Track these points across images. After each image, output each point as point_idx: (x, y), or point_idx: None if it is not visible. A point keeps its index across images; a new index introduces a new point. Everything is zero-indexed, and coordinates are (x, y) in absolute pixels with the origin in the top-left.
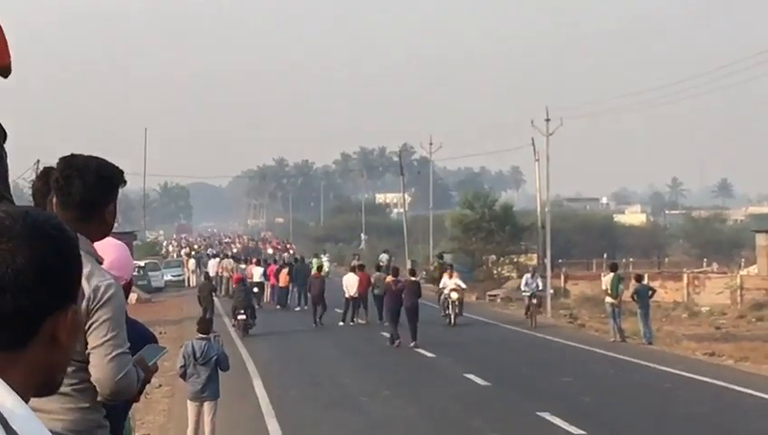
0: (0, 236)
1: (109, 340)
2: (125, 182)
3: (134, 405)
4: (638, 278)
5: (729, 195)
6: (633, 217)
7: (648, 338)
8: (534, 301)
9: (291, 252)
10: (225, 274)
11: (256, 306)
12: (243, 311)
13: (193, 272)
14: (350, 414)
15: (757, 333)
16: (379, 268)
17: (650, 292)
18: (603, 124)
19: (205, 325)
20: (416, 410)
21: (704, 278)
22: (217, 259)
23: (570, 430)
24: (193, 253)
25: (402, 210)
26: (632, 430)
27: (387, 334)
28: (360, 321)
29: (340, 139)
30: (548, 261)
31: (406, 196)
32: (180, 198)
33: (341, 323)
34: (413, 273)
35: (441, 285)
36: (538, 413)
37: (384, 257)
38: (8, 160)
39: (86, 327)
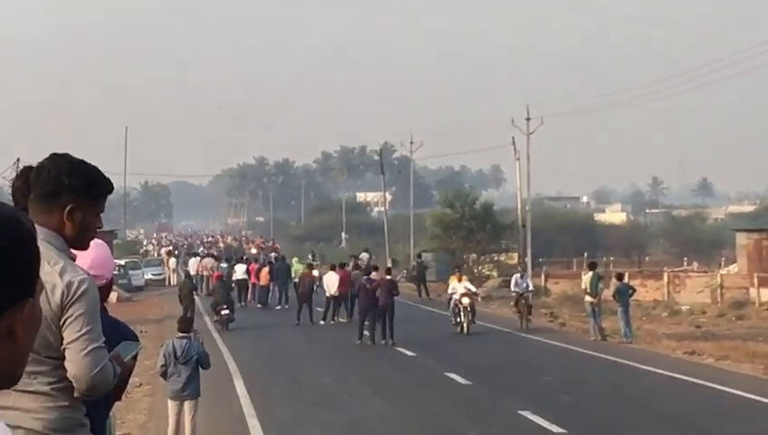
0: None
1: (84, 334)
2: (106, 192)
3: (115, 404)
4: (619, 277)
5: (709, 194)
6: (614, 215)
7: (629, 337)
8: (524, 301)
9: (275, 253)
10: (206, 272)
11: (241, 304)
12: (225, 306)
13: (174, 271)
14: (331, 413)
15: (737, 331)
16: (357, 267)
17: (631, 291)
18: (584, 123)
19: (185, 324)
20: (397, 408)
21: (684, 277)
22: (198, 258)
23: (550, 428)
24: (176, 252)
25: (383, 209)
26: (613, 429)
27: (368, 333)
28: (340, 320)
29: (320, 138)
30: (528, 260)
31: (386, 195)
32: (161, 196)
33: (322, 322)
34: (389, 271)
35: (450, 290)
36: (519, 412)
37: (364, 256)
38: None
39: (60, 323)
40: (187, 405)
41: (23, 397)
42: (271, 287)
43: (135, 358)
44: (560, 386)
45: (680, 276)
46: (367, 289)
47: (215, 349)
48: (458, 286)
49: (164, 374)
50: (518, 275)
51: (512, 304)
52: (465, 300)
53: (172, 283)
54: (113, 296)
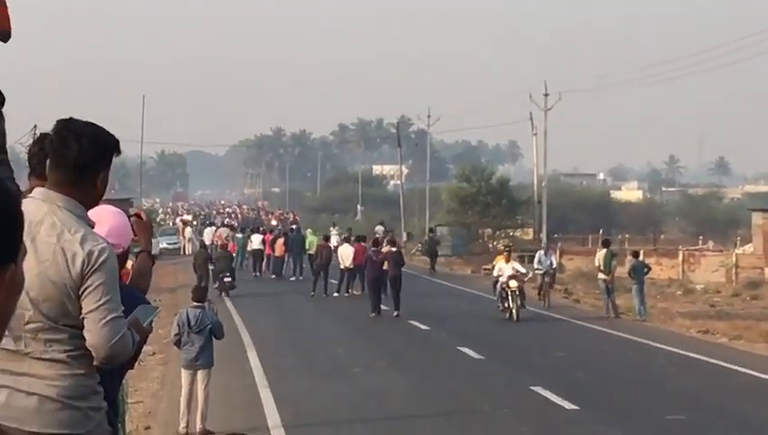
0: None
1: (103, 304)
2: (119, 152)
3: (128, 372)
4: (635, 255)
5: (726, 173)
6: (630, 193)
7: (643, 315)
8: (547, 279)
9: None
10: (221, 242)
11: (255, 274)
12: (228, 274)
13: (189, 240)
14: (343, 385)
15: (751, 311)
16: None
17: (646, 269)
18: (602, 100)
19: (200, 293)
20: (410, 381)
21: (699, 256)
22: (213, 228)
23: (562, 404)
24: (194, 222)
25: (399, 182)
26: (625, 406)
27: (384, 307)
28: (354, 292)
29: (337, 110)
30: (544, 236)
31: (403, 168)
32: (177, 165)
33: (336, 294)
34: (393, 243)
35: (496, 272)
36: (531, 387)
37: (380, 229)
38: (5, 125)
39: (80, 292)
40: (201, 374)
41: (38, 364)
42: (286, 258)
43: (150, 323)
44: (573, 362)
45: (695, 255)
46: (374, 261)
47: (228, 319)
48: (506, 268)
49: (177, 343)
50: (542, 251)
51: (534, 282)
52: (514, 283)
53: (187, 252)
54: (129, 265)
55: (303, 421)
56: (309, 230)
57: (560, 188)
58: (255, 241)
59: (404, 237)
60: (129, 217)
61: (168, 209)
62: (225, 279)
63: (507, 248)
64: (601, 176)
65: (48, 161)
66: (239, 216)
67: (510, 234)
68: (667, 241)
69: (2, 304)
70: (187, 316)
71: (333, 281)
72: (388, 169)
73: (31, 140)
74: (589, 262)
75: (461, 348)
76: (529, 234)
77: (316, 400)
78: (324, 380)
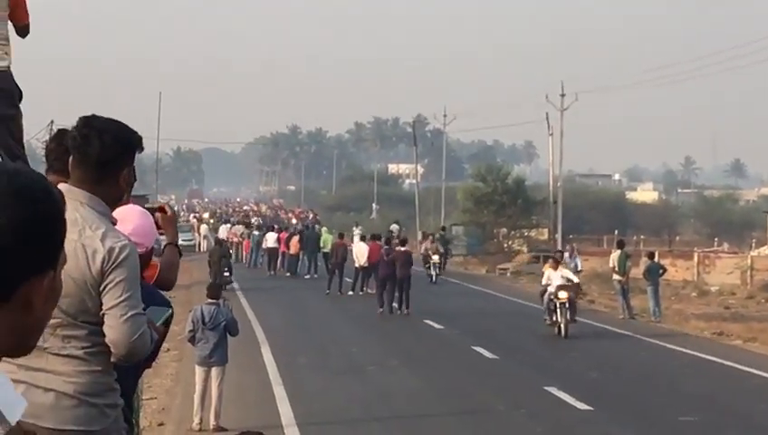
0: None
1: (124, 301)
2: (142, 148)
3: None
4: (651, 256)
5: (742, 175)
6: (645, 194)
7: (657, 316)
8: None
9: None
10: (236, 239)
11: (270, 273)
12: (226, 268)
13: (204, 237)
14: (357, 383)
15: (766, 314)
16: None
17: (661, 270)
18: (618, 100)
19: (214, 290)
20: (423, 380)
21: (714, 258)
22: (229, 225)
23: (576, 405)
24: (210, 221)
25: (414, 181)
26: (638, 408)
27: (398, 306)
28: (369, 291)
29: (354, 108)
30: (559, 236)
31: (418, 167)
32: (193, 162)
33: (351, 293)
34: (404, 243)
35: (544, 281)
36: (545, 388)
37: (395, 228)
38: (23, 120)
39: (101, 288)
40: (215, 371)
41: (56, 360)
42: (300, 256)
43: (168, 324)
44: (587, 363)
45: (710, 257)
46: (384, 260)
47: (242, 316)
48: (554, 276)
49: (192, 340)
50: (567, 254)
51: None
52: (563, 294)
53: (202, 249)
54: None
55: (317, 419)
56: (324, 228)
57: (575, 189)
58: (270, 239)
59: (419, 237)
60: (153, 211)
61: (184, 206)
62: (225, 273)
63: (557, 254)
64: (617, 177)
65: (71, 158)
66: (258, 214)
67: (525, 234)
68: (683, 243)
69: (40, 310)
70: (202, 313)
71: (348, 279)
72: (403, 167)
73: (48, 136)
74: (604, 263)
75: (475, 347)
76: (544, 234)
77: (330, 397)
78: (338, 378)
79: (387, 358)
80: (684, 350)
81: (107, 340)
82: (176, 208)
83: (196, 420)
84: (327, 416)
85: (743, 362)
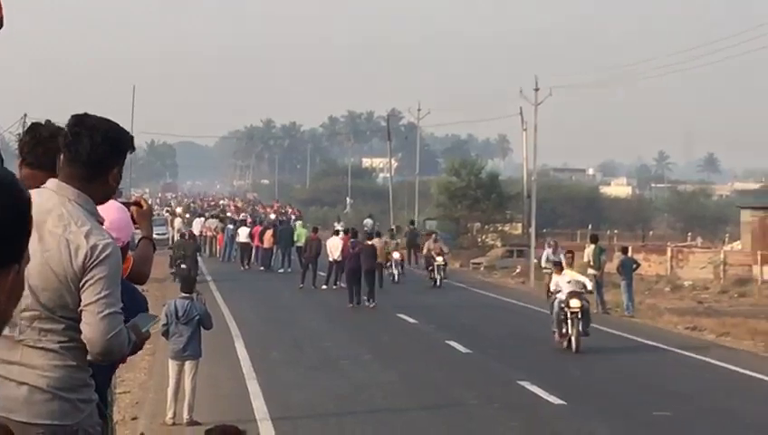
0: None
1: (103, 298)
2: (134, 148)
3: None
4: (624, 250)
5: (715, 170)
6: (619, 189)
7: (631, 311)
8: None
9: (294, 217)
10: (210, 233)
11: (243, 268)
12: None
13: (178, 231)
14: (331, 378)
15: (739, 308)
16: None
17: (635, 265)
18: (592, 96)
19: (188, 284)
20: (397, 375)
21: (687, 252)
22: (202, 219)
23: (549, 399)
24: (186, 215)
25: (388, 175)
26: (612, 402)
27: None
28: (342, 285)
29: (328, 102)
30: (533, 231)
31: (392, 161)
32: (167, 156)
33: (325, 287)
34: (370, 237)
35: (553, 287)
36: (519, 382)
37: (368, 222)
38: None
39: (80, 284)
40: (188, 365)
41: (31, 353)
42: (274, 250)
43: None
44: (560, 358)
45: (684, 252)
46: (350, 254)
47: (216, 310)
48: (562, 281)
49: (165, 334)
50: (550, 249)
51: (546, 282)
52: (575, 302)
53: None
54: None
55: (290, 413)
56: (299, 223)
57: (549, 183)
58: (242, 234)
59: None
60: (128, 205)
61: (158, 200)
62: (182, 265)
63: (570, 254)
64: (591, 171)
65: (61, 156)
66: (237, 210)
67: (499, 228)
68: (656, 237)
69: (2, 304)
70: (176, 307)
71: (322, 273)
72: (377, 161)
73: (21, 129)
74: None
75: (449, 342)
76: (518, 228)
77: (303, 392)
78: (312, 372)
79: (360, 352)
80: (657, 344)
81: (83, 337)
82: (150, 202)
83: (170, 414)
84: (300, 410)
85: (716, 356)
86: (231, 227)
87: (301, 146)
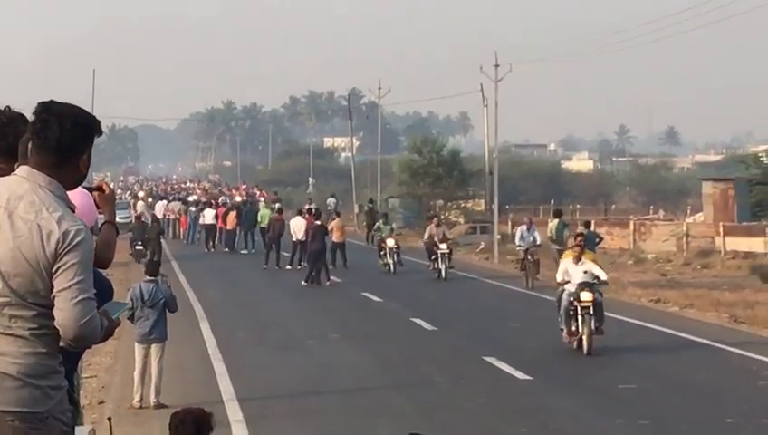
0: None
1: (75, 284)
2: (101, 132)
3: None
4: (587, 224)
5: (676, 143)
6: (580, 163)
7: None
8: (531, 257)
9: (262, 199)
10: (173, 216)
11: (207, 250)
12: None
13: (139, 214)
14: (297, 358)
15: (702, 280)
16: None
17: (597, 239)
18: (552, 71)
19: (152, 268)
20: (363, 353)
21: (650, 225)
22: (165, 201)
23: (516, 375)
24: (150, 199)
25: (350, 154)
26: (578, 376)
27: (337, 279)
28: (305, 265)
29: (288, 82)
30: (495, 207)
31: (354, 140)
32: (128, 139)
33: (289, 267)
34: (318, 216)
35: (561, 277)
36: (484, 358)
37: (331, 202)
38: None
39: (53, 270)
40: (154, 348)
41: (1, 339)
42: (238, 232)
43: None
44: (525, 333)
45: (646, 225)
46: (311, 234)
47: (181, 293)
48: (575, 271)
49: (131, 318)
50: (524, 226)
51: (517, 259)
52: (586, 296)
53: None
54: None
55: (257, 394)
56: (262, 204)
57: (511, 160)
58: (208, 216)
59: (356, 209)
60: (91, 190)
61: (120, 184)
62: (137, 247)
63: (579, 238)
64: (552, 147)
65: (29, 143)
66: (198, 191)
67: (462, 205)
68: (619, 211)
69: None
70: (141, 291)
71: (286, 254)
72: (339, 141)
73: None
74: (541, 232)
75: (414, 319)
76: (481, 205)
77: (270, 372)
78: (278, 352)
79: (326, 332)
80: (621, 318)
81: (56, 322)
82: (112, 186)
83: (137, 398)
84: (267, 391)
85: (680, 328)
86: (193, 209)
87: (262, 127)
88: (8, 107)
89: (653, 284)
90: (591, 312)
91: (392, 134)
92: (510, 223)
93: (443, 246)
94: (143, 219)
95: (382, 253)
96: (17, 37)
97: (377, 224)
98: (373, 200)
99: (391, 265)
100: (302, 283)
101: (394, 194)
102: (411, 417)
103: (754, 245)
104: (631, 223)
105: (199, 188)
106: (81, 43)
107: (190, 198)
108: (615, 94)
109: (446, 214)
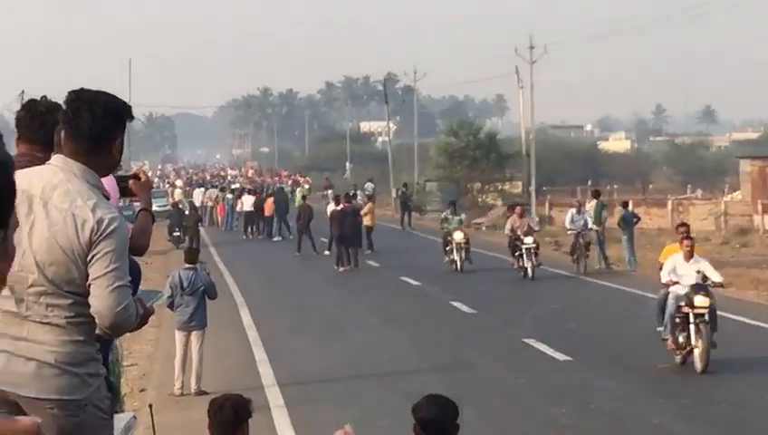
0: None
1: (111, 271)
2: (132, 117)
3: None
4: (625, 205)
5: (713, 121)
6: (617, 144)
7: (633, 265)
8: (582, 241)
9: (306, 186)
10: (210, 203)
11: (247, 236)
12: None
13: (176, 202)
14: (337, 342)
15: (741, 259)
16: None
17: (635, 219)
18: (588, 51)
19: (192, 255)
20: (403, 337)
21: (688, 205)
22: (203, 189)
23: (555, 356)
24: (187, 188)
25: (387, 139)
26: (617, 356)
27: (375, 264)
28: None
29: (324, 68)
30: (533, 189)
31: (390, 124)
32: (165, 128)
33: (327, 252)
34: (348, 199)
35: (667, 276)
36: (524, 340)
37: (369, 186)
38: None
39: (88, 259)
40: (195, 336)
41: (38, 329)
42: (275, 218)
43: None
44: (565, 314)
45: (684, 204)
46: (333, 217)
47: (220, 280)
48: (687, 270)
49: (171, 305)
50: (574, 210)
51: (556, 242)
52: (702, 300)
53: None
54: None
55: (298, 379)
56: (299, 189)
57: (547, 141)
58: (247, 203)
59: (393, 194)
60: (127, 179)
61: (158, 172)
62: (174, 234)
63: (683, 229)
64: (589, 127)
65: (62, 132)
66: (249, 180)
67: (499, 187)
68: (656, 191)
69: None
70: (180, 278)
71: (324, 239)
72: (375, 125)
73: (19, 106)
74: None
75: (453, 303)
76: (518, 187)
77: (310, 357)
78: (317, 337)
79: (366, 316)
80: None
81: (92, 310)
82: (150, 175)
83: (178, 385)
84: (308, 376)
85: (719, 307)
86: (230, 196)
87: (298, 113)
88: (45, 96)
89: None
90: (707, 320)
91: (429, 118)
92: (548, 205)
93: (528, 240)
94: (180, 206)
95: (448, 248)
96: (54, 25)
97: (443, 214)
98: (407, 184)
99: (458, 263)
100: (335, 267)
101: (431, 178)
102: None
103: None
104: (669, 202)
105: (247, 177)
106: (117, 33)
107: (234, 186)
108: (651, 74)
109: (484, 196)
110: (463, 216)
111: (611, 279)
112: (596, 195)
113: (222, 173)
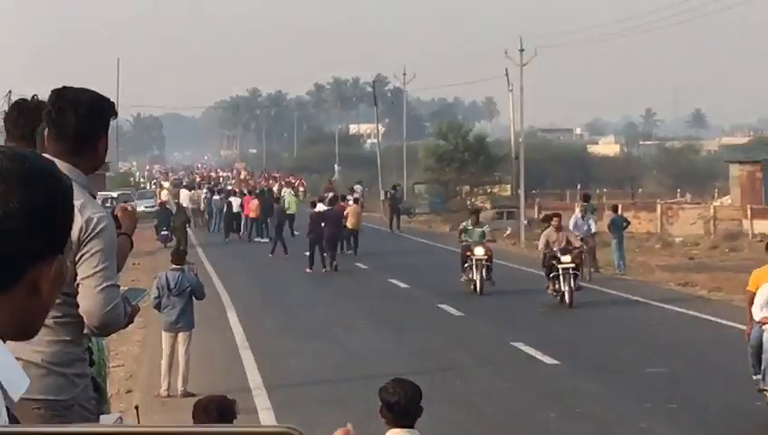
0: None
1: (99, 271)
2: (116, 114)
3: (109, 336)
4: (614, 209)
5: (703, 125)
6: (607, 147)
7: (622, 269)
8: (585, 246)
9: (301, 188)
10: (194, 206)
11: (229, 238)
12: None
13: (162, 202)
14: (326, 345)
15: (730, 263)
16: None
17: (625, 223)
18: (578, 55)
19: (178, 256)
20: (391, 340)
21: (677, 209)
22: (191, 190)
23: (544, 360)
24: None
25: (376, 141)
26: (606, 361)
27: (363, 266)
28: (348, 252)
29: (313, 69)
30: (522, 192)
31: (379, 126)
32: (153, 128)
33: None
34: (333, 201)
35: (761, 315)
36: (512, 343)
37: (358, 188)
38: None
39: (76, 258)
40: (181, 337)
41: None
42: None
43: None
44: (552, 318)
45: (673, 208)
46: (312, 220)
47: (208, 281)
48: None
49: (158, 306)
50: (578, 214)
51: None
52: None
53: None
54: None
55: (285, 382)
56: (288, 191)
57: (537, 144)
58: (234, 204)
59: (381, 196)
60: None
61: (146, 173)
62: (162, 233)
63: None
64: (578, 131)
65: (46, 132)
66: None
67: (488, 190)
68: (645, 195)
69: (46, 294)
70: (167, 279)
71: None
72: (364, 127)
73: (6, 106)
74: (567, 217)
75: (441, 306)
76: (507, 190)
77: (298, 361)
78: (305, 340)
79: (353, 319)
80: (650, 302)
81: (81, 310)
82: (137, 175)
83: (164, 386)
84: (295, 379)
85: (708, 311)
86: (217, 197)
87: (287, 114)
88: (35, 96)
89: (681, 267)
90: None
91: (418, 120)
92: (537, 208)
93: (565, 259)
94: (167, 206)
95: (466, 265)
96: (42, 25)
97: (462, 224)
98: (397, 186)
99: (477, 283)
100: (306, 270)
101: (420, 180)
102: (440, 402)
103: None
104: (658, 206)
105: (240, 179)
106: (106, 32)
107: (229, 188)
108: (641, 77)
109: (473, 199)
110: (486, 227)
111: (600, 283)
112: (586, 198)
113: (213, 174)
